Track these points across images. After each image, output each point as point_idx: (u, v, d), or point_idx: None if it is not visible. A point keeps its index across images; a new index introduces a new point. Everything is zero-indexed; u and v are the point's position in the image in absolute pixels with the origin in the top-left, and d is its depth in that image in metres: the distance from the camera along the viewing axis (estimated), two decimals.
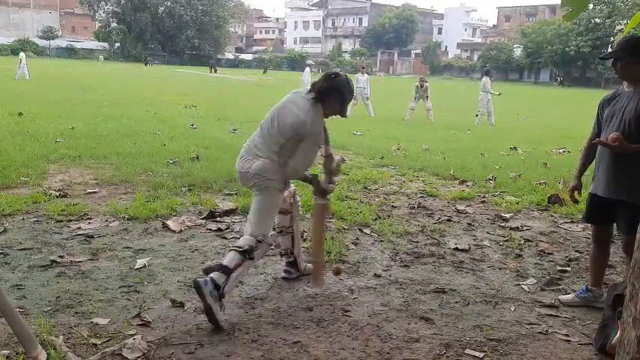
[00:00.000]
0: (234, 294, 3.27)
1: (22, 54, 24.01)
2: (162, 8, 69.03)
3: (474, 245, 4.51)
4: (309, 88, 3.25)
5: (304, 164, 3.16)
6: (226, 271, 2.95)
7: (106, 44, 69.55)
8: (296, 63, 71.64)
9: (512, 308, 3.33)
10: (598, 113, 3.32)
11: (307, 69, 19.66)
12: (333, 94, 3.15)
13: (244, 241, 3.06)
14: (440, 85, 37.62)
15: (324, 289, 3.48)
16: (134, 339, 2.67)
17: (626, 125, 3.04)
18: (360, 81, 15.40)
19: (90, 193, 5.50)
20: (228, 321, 2.96)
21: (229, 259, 3.01)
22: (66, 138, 8.45)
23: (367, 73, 16.54)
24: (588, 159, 3.41)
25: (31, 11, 74.89)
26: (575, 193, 3.45)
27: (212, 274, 2.93)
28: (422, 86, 15.17)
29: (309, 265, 3.58)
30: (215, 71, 47.81)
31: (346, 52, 78.52)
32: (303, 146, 3.07)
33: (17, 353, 2.49)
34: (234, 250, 3.05)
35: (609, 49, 4.07)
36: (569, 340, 2.96)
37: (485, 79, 15.24)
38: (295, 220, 3.60)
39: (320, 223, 3.42)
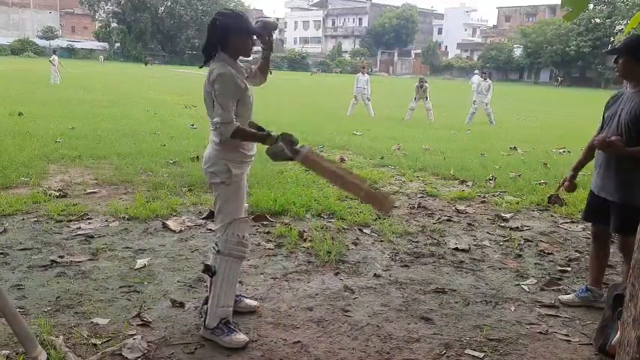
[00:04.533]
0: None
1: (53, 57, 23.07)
2: (163, 8, 69.02)
3: (474, 245, 4.51)
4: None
5: (224, 115, 2.61)
6: (206, 300, 2.83)
7: (106, 44, 69.54)
8: (296, 63, 71.63)
9: (512, 308, 3.34)
10: (604, 112, 3.32)
11: (477, 77, 15.35)
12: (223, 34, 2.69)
13: (210, 260, 2.83)
14: (440, 84, 37.61)
15: (324, 288, 3.48)
16: (134, 339, 2.67)
17: (623, 127, 3.04)
18: (360, 81, 15.43)
19: (90, 193, 5.51)
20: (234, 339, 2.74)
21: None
22: (66, 138, 8.45)
23: (367, 73, 16.51)
24: (587, 157, 3.45)
25: (31, 11, 74.94)
26: (567, 184, 3.55)
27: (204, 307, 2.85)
28: (421, 86, 15.20)
29: (248, 302, 3.14)
30: None
31: (346, 52, 78.53)
32: (216, 98, 2.63)
33: (17, 353, 2.49)
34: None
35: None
36: (569, 340, 2.96)
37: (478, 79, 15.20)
38: None
39: (323, 169, 2.77)
